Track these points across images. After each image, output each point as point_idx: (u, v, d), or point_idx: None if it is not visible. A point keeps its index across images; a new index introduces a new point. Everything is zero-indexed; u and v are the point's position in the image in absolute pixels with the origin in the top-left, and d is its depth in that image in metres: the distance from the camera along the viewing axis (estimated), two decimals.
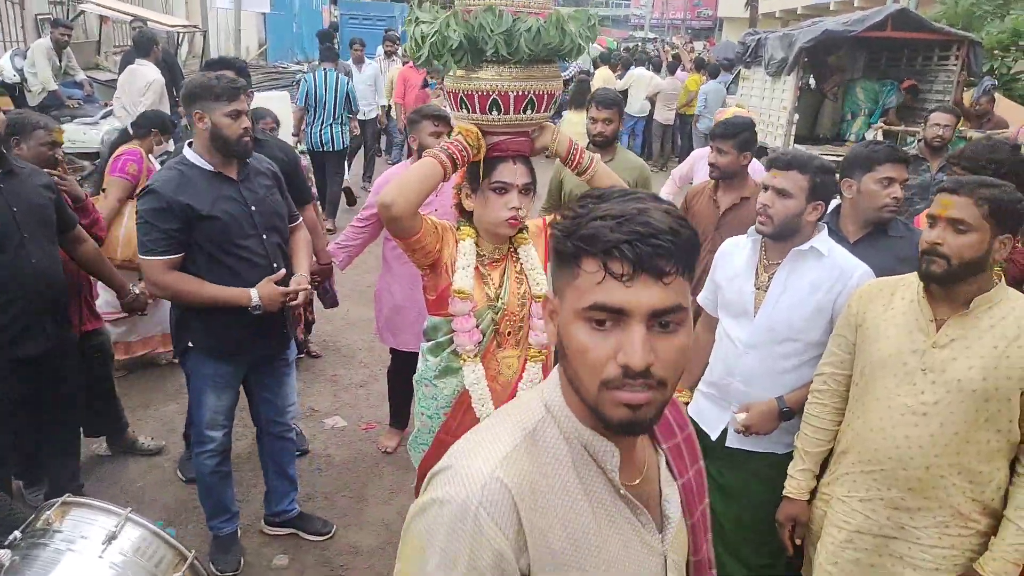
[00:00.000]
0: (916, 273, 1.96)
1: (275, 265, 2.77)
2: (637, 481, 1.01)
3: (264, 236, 2.75)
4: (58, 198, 2.90)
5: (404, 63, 9.20)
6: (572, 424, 0.97)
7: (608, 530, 0.96)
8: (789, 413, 2.29)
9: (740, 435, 2.40)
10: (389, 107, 9.10)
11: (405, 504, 3.46)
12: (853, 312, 2.09)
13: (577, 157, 2.18)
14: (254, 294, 2.64)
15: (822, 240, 2.29)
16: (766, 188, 2.29)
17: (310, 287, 3.61)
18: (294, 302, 2.79)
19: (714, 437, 2.47)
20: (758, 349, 2.32)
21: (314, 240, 3.63)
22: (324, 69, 7.47)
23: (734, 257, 2.44)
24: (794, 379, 2.30)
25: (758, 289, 2.35)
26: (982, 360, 1.83)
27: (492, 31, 1.93)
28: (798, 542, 2.26)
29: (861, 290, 2.11)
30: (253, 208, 2.73)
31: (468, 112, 2.09)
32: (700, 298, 2.59)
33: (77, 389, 3.11)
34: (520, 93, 2.01)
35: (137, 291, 3.28)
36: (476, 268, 2.19)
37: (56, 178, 3.08)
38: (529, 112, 2.05)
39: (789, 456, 2.34)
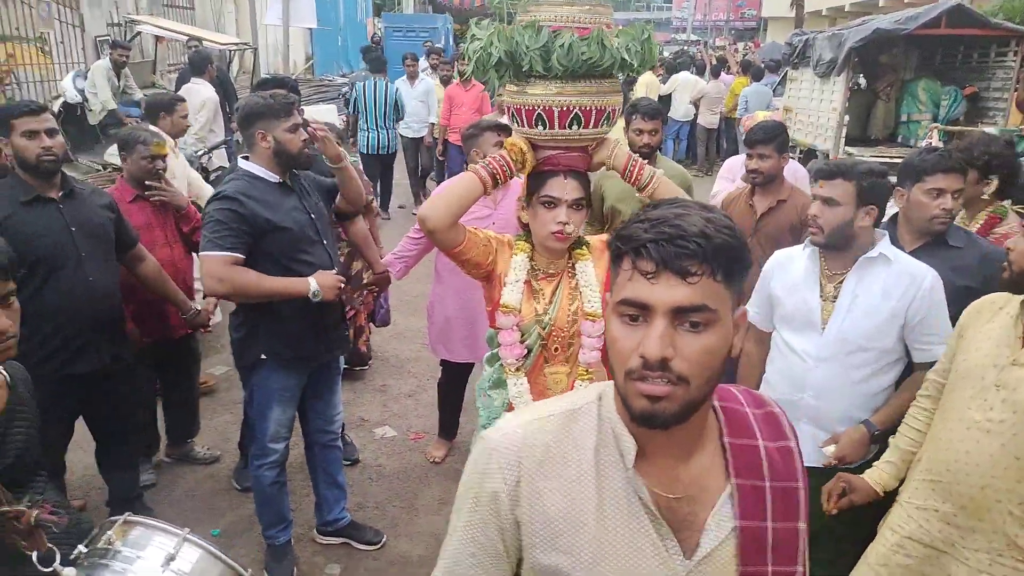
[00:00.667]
0: None
1: (335, 271, 2.86)
2: (678, 496, 1.00)
3: (325, 242, 2.85)
4: (118, 217, 3.01)
5: (443, 79, 9.11)
6: (611, 413, 1.03)
7: (614, 522, 1.00)
8: (880, 436, 2.23)
9: (808, 453, 2.33)
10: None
11: None
12: (960, 323, 2.04)
13: (636, 172, 2.13)
14: (312, 282, 2.70)
15: (887, 246, 2.26)
16: (814, 199, 2.25)
17: (366, 295, 3.71)
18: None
19: None
20: (829, 362, 2.27)
21: (368, 252, 3.69)
22: (374, 80, 8.13)
23: (790, 268, 2.40)
24: (867, 388, 2.26)
25: (824, 300, 2.30)
26: None
27: (528, 47, 1.95)
28: (834, 510, 2.17)
29: (974, 304, 2.03)
30: (313, 216, 2.83)
31: (518, 126, 2.12)
32: (750, 313, 2.54)
33: (134, 405, 3.21)
34: (564, 108, 2.01)
35: (199, 307, 3.39)
36: (528, 282, 2.21)
37: (157, 190, 3.37)
38: (576, 127, 2.04)
39: (827, 470, 2.30)
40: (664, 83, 11.83)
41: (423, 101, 8.63)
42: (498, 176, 2.09)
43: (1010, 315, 1.88)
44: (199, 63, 6.94)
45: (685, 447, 1.02)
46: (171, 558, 1.63)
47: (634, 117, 3.66)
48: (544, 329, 2.21)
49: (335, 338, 3.02)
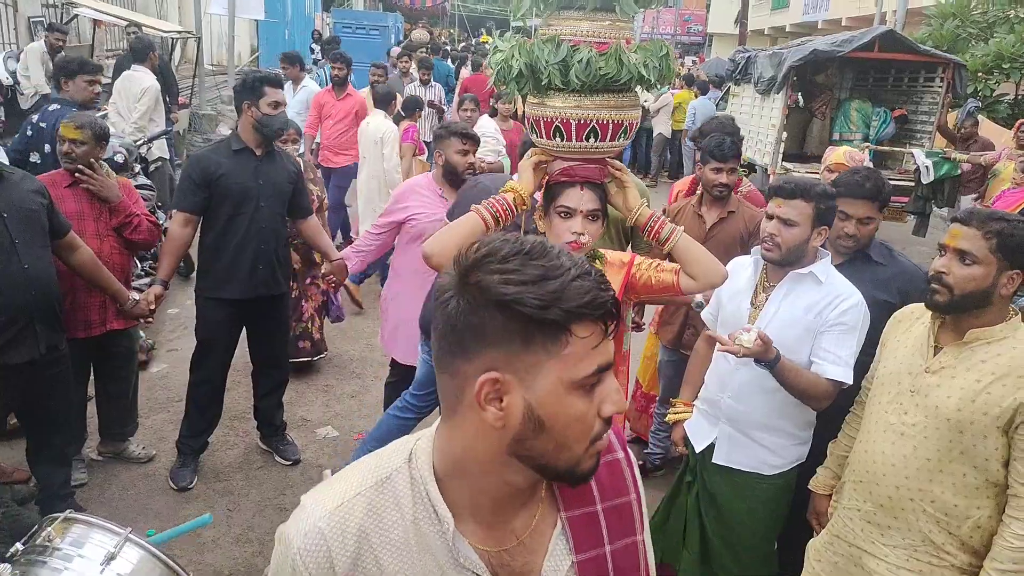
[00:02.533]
0: None
1: None
2: (511, 547, 0.95)
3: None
4: (50, 203, 2.91)
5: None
6: (423, 472, 0.93)
7: None
8: (775, 362, 2.20)
9: (726, 452, 2.44)
10: None
11: None
12: (884, 332, 2.17)
13: (656, 228, 2.15)
14: None
15: (822, 267, 2.32)
16: (770, 217, 2.33)
17: (324, 285, 3.74)
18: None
19: (698, 449, 2.54)
20: (748, 366, 2.35)
21: (320, 243, 3.77)
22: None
23: (737, 275, 2.49)
24: (783, 396, 2.33)
25: (754, 308, 2.41)
26: (961, 391, 1.83)
27: (547, 61, 1.99)
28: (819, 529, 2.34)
29: (895, 315, 2.18)
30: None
31: (537, 137, 2.16)
32: (704, 314, 2.65)
33: (68, 397, 3.10)
34: (582, 121, 2.04)
35: (137, 297, 3.28)
36: None
37: (85, 177, 3.21)
38: (593, 140, 2.07)
39: (775, 479, 2.40)
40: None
41: (299, 113, 7.26)
42: (500, 218, 2.12)
43: (925, 325, 2.00)
44: (140, 50, 6.73)
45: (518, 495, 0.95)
46: (111, 557, 1.60)
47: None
48: None
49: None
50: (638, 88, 2.12)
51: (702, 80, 12.14)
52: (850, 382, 2.22)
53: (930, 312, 1.98)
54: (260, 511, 3.46)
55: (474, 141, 3.48)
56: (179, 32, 10.72)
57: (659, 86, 2.19)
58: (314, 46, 15.97)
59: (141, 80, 6.49)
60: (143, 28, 9.03)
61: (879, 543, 1.99)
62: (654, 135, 12.00)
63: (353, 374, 4.90)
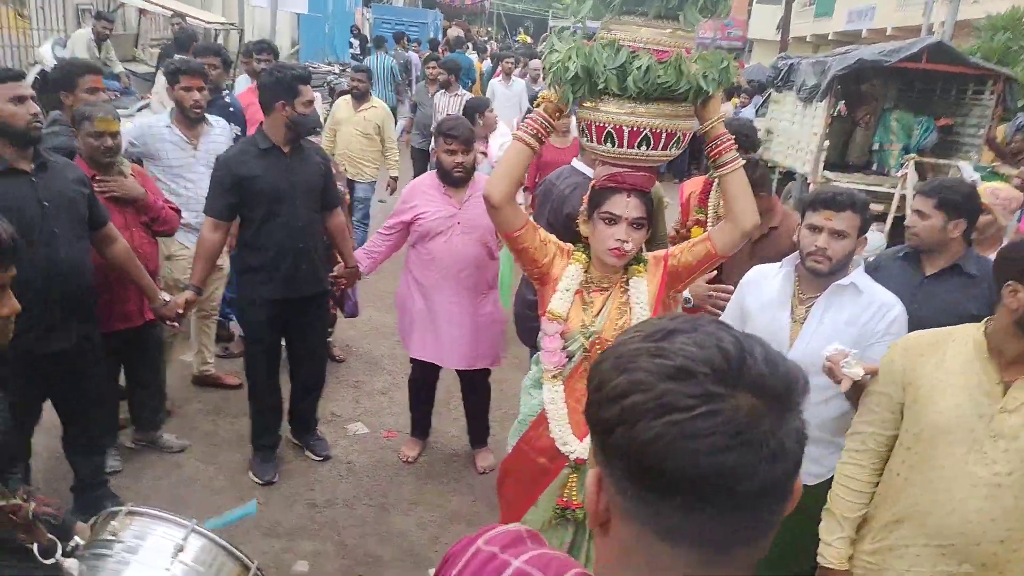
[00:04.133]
0: (965, 327, 1.91)
1: None
2: None
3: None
4: (91, 193, 2.91)
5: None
6: None
7: None
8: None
9: None
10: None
11: (424, 515, 3.46)
12: (898, 368, 1.95)
13: (721, 147, 2.14)
14: None
15: (860, 275, 2.30)
16: (816, 228, 2.26)
17: (335, 287, 3.75)
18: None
19: None
20: None
21: (341, 244, 3.74)
22: (377, 54, 10.49)
23: (764, 286, 2.43)
24: (827, 411, 2.29)
25: (794, 322, 2.34)
26: None
27: (605, 66, 1.96)
28: None
29: (906, 345, 1.99)
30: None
31: (588, 140, 2.15)
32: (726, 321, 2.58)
33: (102, 386, 3.13)
34: (635, 129, 2.02)
35: (167, 298, 3.24)
36: (580, 292, 2.26)
37: (105, 185, 3.16)
38: (644, 148, 2.05)
39: (816, 488, 2.28)
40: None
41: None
42: (540, 134, 2.16)
43: (965, 359, 1.85)
44: (184, 40, 6.82)
45: None
46: (180, 548, 1.59)
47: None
48: (588, 339, 2.23)
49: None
50: None
51: (745, 88, 11.94)
52: None
53: (964, 341, 1.86)
54: (289, 506, 3.47)
55: (460, 140, 3.41)
56: (222, 24, 10.84)
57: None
58: (353, 41, 16.07)
59: None
60: (187, 18, 9.15)
61: None
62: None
63: (384, 370, 4.90)
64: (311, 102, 3.40)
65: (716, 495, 0.62)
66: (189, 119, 3.94)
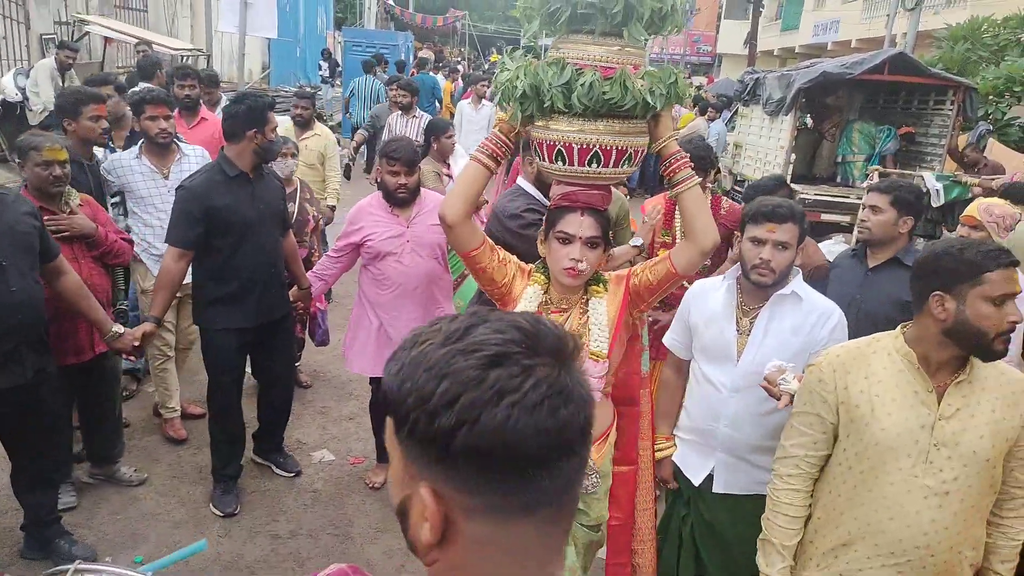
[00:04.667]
0: (881, 337, 1.91)
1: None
2: None
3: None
4: (42, 226, 2.85)
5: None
6: None
7: None
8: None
9: (725, 480, 2.39)
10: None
11: (391, 543, 3.39)
12: (829, 389, 1.90)
13: (675, 165, 2.12)
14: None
15: (799, 284, 2.33)
16: (760, 241, 2.27)
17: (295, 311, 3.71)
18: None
19: (697, 483, 2.46)
20: (742, 393, 2.31)
21: (294, 266, 3.79)
22: (365, 77, 11.05)
23: (708, 300, 2.43)
24: (775, 420, 2.30)
25: (740, 334, 2.35)
26: (988, 427, 1.77)
27: (551, 84, 1.96)
28: None
29: (830, 362, 1.94)
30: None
31: (540, 160, 2.14)
32: (667, 340, 2.58)
33: (56, 420, 3.04)
34: (584, 146, 2.01)
35: (121, 330, 3.13)
36: (539, 313, 2.22)
37: (55, 223, 3.07)
38: (595, 166, 2.04)
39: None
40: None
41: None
42: (496, 155, 2.15)
43: (895, 369, 1.84)
44: (147, 68, 6.74)
45: None
46: None
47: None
48: None
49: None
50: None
51: (710, 102, 12.06)
52: None
53: (887, 352, 1.87)
54: (251, 538, 3.38)
55: (402, 162, 3.40)
56: (189, 50, 10.79)
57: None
58: (323, 64, 16.09)
59: None
60: (153, 46, 9.10)
61: None
62: None
63: (352, 396, 4.83)
64: (276, 128, 3.44)
65: (561, 450, 0.68)
66: (158, 147, 3.91)
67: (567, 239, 2.12)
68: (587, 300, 2.24)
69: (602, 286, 2.24)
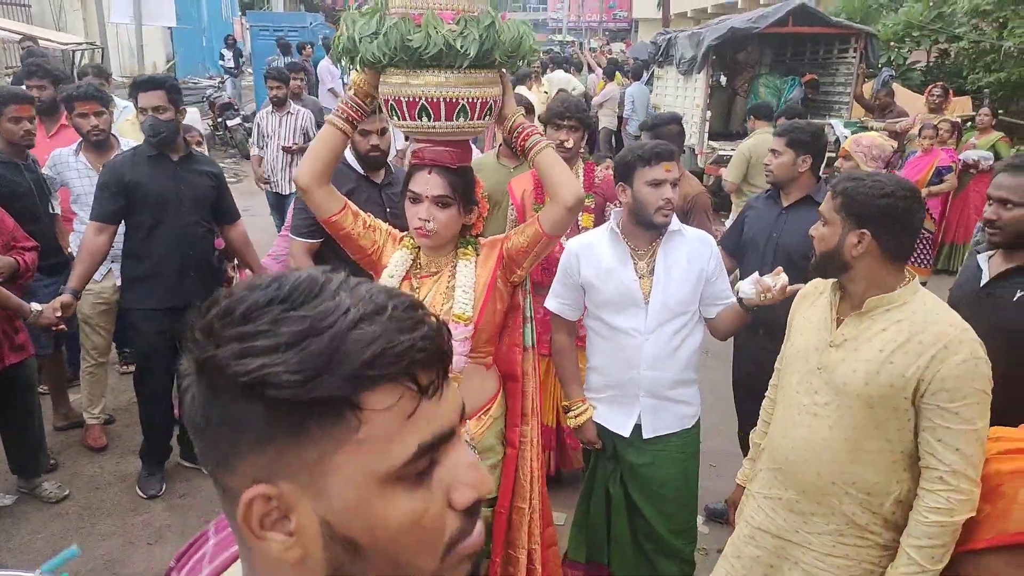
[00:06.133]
0: None
1: None
2: None
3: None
4: None
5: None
6: None
7: None
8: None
9: (652, 424, 2.43)
10: None
11: None
12: (791, 309, 2.08)
13: (524, 134, 2.08)
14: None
15: (674, 220, 2.41)
16: (661, 183, 2.29)
17: None
18: None
19: (627, 435, 2.46)
20: (656, 332, 2.37)
21: (246, 254, 3.74)
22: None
23: (596, 254, 2.43)
24: (686, 351, 2.42)
25: (641, 277, 2.38)
26: (866, 364, 1.75)
27: (360, 35, 1.91)
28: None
29: (803, 288, 2.10)
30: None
31: (390, 118, 2.09)
32: (553, 305, 2.55)
33: None
34: (411, 100, 1.95)
35: (39, 307, 3.11)
36: (408, 279, 2.18)
37: None
38: (425, 120, 1.97)
39: (694, 428, 2.50)
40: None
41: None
42: (352, 118, 2.11)
43: (827, 298, 1.94)
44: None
45: None
46: None
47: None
48: None
49: None
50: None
51: (636, 65, 12.09)
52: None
53: (831, 284, 1.94)
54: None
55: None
56: (78, 44, 10.21)
57: (506, 63, 2.03)
58: (225, 52, 15.42)
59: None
60: (38, 41, 8.56)
61: (803, 531, 1.90)
62: (599, 129, 11.88)
63: None
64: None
65: None
66: (93, 145, 3.81)
67: (416, 198, 2.08)
68: (455, 264, 2.19)
69: (471, 249, 2.20)
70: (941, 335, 1.69)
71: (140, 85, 3.35)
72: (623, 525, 2.54)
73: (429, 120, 1.98)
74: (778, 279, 2.19)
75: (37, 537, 3.29)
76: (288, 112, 5.91)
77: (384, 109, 2.07)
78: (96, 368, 3.94)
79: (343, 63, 2.09)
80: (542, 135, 2.13)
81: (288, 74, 6.14)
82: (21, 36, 8.61)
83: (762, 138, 5.38)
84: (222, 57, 15.29)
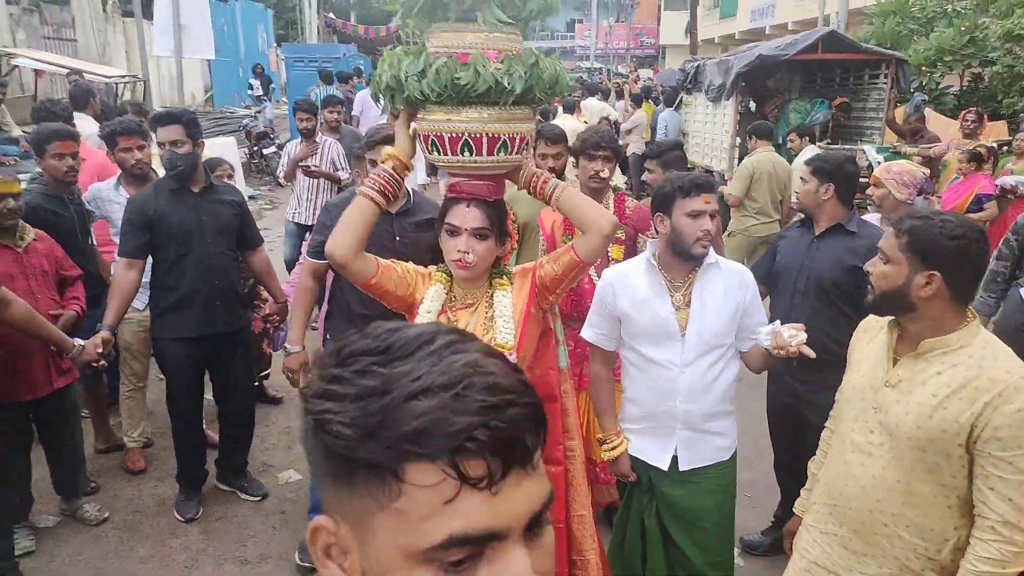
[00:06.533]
0: None
1: None
2: None
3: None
4: None
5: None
6: None
7: None
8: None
9: (689, 457, 2.41)
10: None
11: None
12: (851, 343, 2.06)
13: (538, 184, 2.14)
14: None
15: (712, 254, 2.40)
16: (700, 214, 2.28)
17: (266, 325, 3.68)
18: None
19: (665, 467, 2.44)
20: (692, 365, 2.35)
21: (268, 281, 3.79)
22: (323, 87, 10.81)
23: (632, 285, 2.42)
24: (722, 383, 2.39)
25: (677, 309, 2.37)
26: (919, 407, 1.72)
27: (407, 72, 1.96)
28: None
29: (863, 321, 2.07)
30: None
31: (427, 153, 2.12)
32: (589, 335, 2.53)
33: (5, 463, 2.95)
34: (454, 135, 2.01)
35: (81, 343, 3.14)
36: (444, 312, 2.19)
37: None
38: (468, 155, 2.02)
39: (731, 460, 2.47)
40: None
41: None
42: (386, 191, 2.11)
43: (885, 335, 1.90)
44: (80, 97, 6.59)
45: None
46: None
47: (538, 142, 3.68)
48: None
49: None
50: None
51: (668, 92, 12.10)
52: None
53: (888, 321, 1.91)
54: (219, 565, 3.31)
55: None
56: (122, 77, 10.56)
57: (544, 99, 2.10)
58: (253, 81, 15.81)
59: (83, 128, 6.33)
60: (84, 75, 8.88)
61: (856, 570, 1.85)
62: (628, 155, 11.89)
63: None
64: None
65: None
66: (135, 178, 3.88)
67: (454, 231, 2.10)
68: (492, 294, 2.21)
69: (506, 279, 2.22)
70: (996, 381, 1.64)
71: (158, 119, 3.44)
72: (659, 557, 2.51)
73: (471, 155, 2.03)
74: (796, 338, 2.15)
75: (78, 559, 3.36)
76: (324, 139, 6.02)
77: (424, 145, 2.11)
78: (135, 392, 4.04)
79: (383, 101, 2.13)
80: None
81: (316, 106, 6.24)
82: (69, 70, 8.94)
83: (764, 155, 5.92)
84: (251, 87, 15.68)
